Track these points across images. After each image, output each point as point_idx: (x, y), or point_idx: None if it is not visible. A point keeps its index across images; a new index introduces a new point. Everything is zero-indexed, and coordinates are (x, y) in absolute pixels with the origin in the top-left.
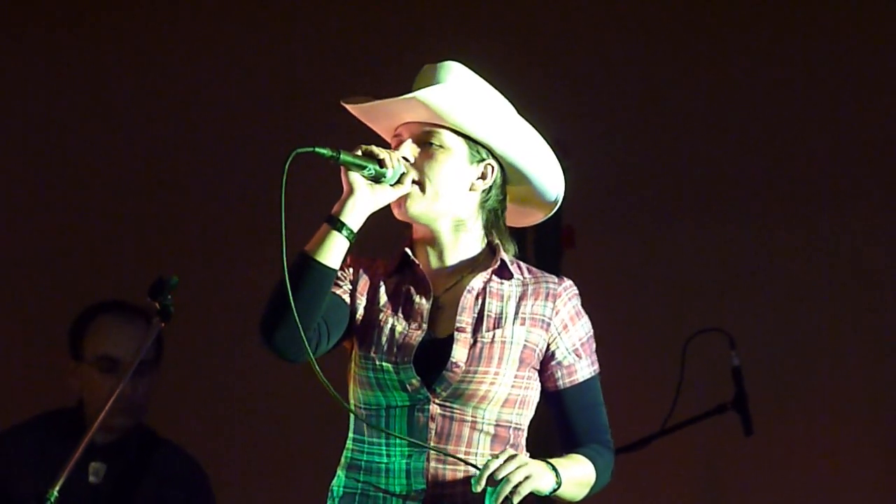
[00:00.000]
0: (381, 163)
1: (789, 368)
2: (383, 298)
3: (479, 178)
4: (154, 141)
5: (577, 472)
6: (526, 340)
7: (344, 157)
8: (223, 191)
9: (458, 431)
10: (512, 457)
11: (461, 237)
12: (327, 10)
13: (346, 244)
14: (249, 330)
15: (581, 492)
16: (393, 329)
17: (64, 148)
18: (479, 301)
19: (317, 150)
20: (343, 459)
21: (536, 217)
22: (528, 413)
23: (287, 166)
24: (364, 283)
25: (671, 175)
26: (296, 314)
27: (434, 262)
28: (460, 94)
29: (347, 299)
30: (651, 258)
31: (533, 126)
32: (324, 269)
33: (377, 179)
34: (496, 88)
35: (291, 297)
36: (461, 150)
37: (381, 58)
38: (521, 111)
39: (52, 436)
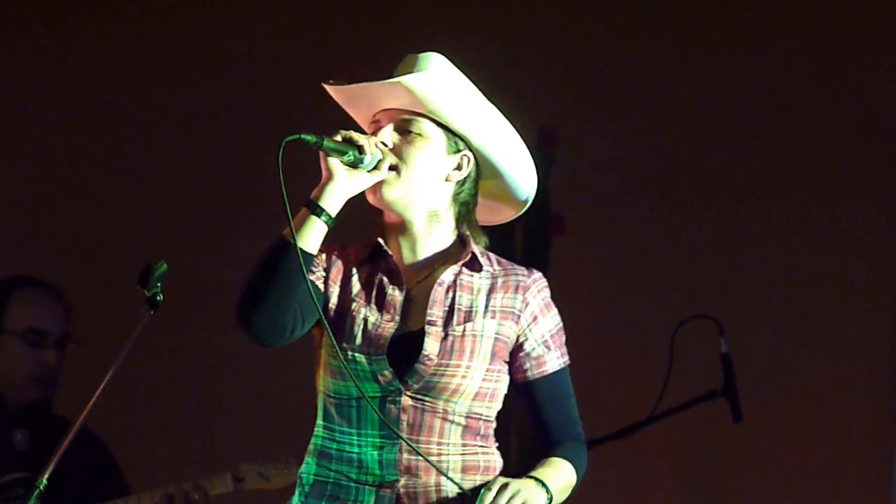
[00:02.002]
0: (361, 149)
1: (778, 355)
2: (356, 287)
3: (454, 169)
4: (145, 132)
5: (562, 480)
6: (497, 333)
7: (326, 142)
8: (215, 183)
9: (430, 422)
10: (504, 486)
11: (434, 228)
12: (321, 4)
13: (325, 229)
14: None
15: (565, 496)
16: (366, 320)
17: (56, 141)
18: (450, 294)
19: (302, 136)
20: (312, 447)
21: (506, 215)
22: (497, 405)
23: (281, 154)
24: (337, 270)
25: (660, 162)
26: (274, 298)
27: (406, 253)
28: (443, 84)
29: (321, 286)
30: (640, 245)
31: (516, 118)
32: (303, 254)
33: (355, 165)
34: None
35: (269, 282)
36: (439, 140)
37: (375, 47)
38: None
39: None
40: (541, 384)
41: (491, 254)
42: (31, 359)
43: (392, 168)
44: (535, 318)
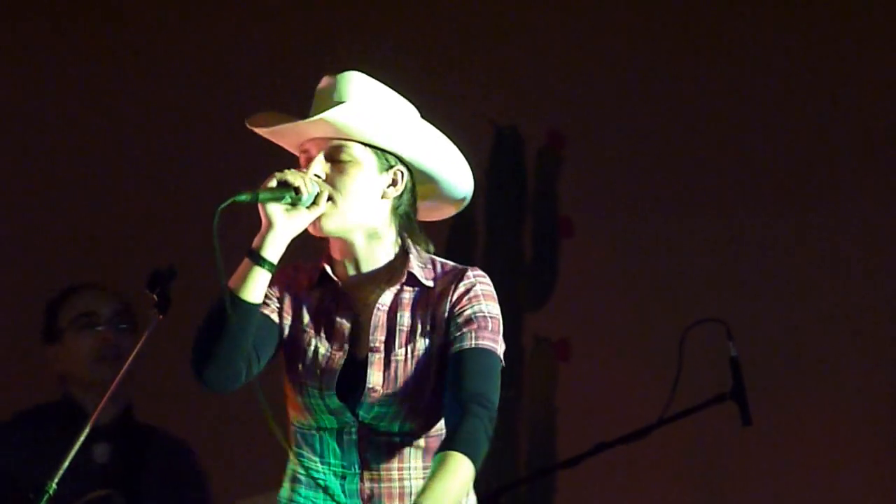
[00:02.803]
0: (297, 189)
1: (787, 359)
2: (307, 317)
3: (389, 186)
4: (150, 132)
5: (455, 488)
6: (440, 346)
7: (262, 195)
8: (219, 185)
9: (388, 450)
10: None
11: (375, 246)
12: (323, 8)
13: (269, 276)
14: None
15: (465, 490)
16: (316, 351)
17: (62, 141)
18: (392, 315)
19: (236, 199)
20: (288, 471)
21: (446, 213)
22: None
23: (216, 223)
24: (289, 300)
25: (669, 165)
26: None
27: (352, 274)
28: (365, 109)
29: (276, 318)
30: (648, 248)
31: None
32: (248, 305)
33: (294, 204)
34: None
35: (215, 339)
36: (370, 161)
37: (376, 47)
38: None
39: (46, 426)
40: (456, 358)
41: (437, 258)
42: (89, 342)
43: (328, 199)
44: (454, 306)
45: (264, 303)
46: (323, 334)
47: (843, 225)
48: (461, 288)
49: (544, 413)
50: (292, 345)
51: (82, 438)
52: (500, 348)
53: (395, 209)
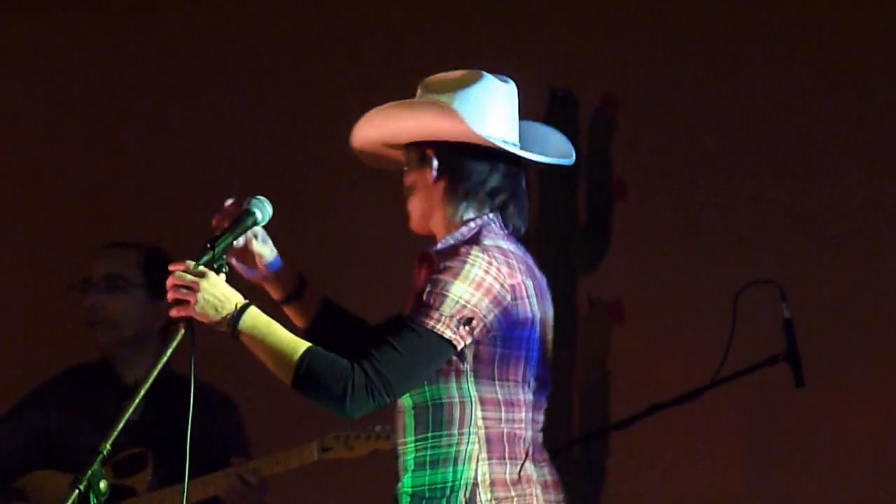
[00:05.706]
0: (248, 212)
1: (841, 320)
2: None
3: (434, 171)
4: (168, 122)
5: (274, 345)
6: None
7: (220, 245)
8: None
9: (395, 421)
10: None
11: (435, 227)
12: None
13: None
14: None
15: (273, 362)
16: None
17: (73, 137)
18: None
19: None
20: None
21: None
22: (451, 384)
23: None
24: None
25: (723, 127)
26: None
27: None
28: (382, 117)
29: None
30: (702, 209)
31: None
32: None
33: (254, 223)
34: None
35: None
36: (411, 159)
37: (428, 16)
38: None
39: (87, 385)
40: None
41: (464, 236)
42: (85, 307)
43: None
44: (427, 276)
45: None
46: None
47: None
48: (443, 260)
49: (598, 374)
50: None
51: (136, 402)
52: (438, 325)
53: (449, 191)
